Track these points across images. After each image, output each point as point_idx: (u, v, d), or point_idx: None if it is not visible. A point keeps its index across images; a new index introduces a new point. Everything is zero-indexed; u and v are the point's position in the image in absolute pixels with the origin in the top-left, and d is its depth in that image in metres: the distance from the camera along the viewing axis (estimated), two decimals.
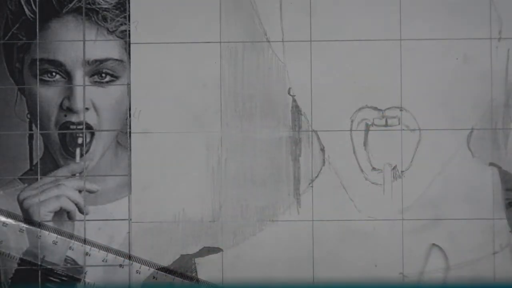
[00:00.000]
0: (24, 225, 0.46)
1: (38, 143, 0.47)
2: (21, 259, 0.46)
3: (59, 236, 0.46)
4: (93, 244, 0.47)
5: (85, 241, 0.47)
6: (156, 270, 0.46)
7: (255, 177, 0.47)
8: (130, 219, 0.47)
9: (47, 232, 0.46)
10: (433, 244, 0.46)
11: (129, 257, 0.47)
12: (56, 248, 0.46)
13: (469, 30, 0.47)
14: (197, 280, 0.46)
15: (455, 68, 0.47)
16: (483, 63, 0.46)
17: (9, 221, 0.46)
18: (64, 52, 0.47)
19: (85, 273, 0.47)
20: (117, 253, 0.46)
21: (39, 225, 0.46)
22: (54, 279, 0.46)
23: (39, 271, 0.46)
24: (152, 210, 0.47)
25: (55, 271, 0.46)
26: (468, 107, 0.47)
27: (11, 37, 0.47)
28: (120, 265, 0.46)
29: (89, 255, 0.46)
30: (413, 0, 0.47)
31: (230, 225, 0.47)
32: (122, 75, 0.47)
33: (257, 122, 0.47)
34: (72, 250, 0.46)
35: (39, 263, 0.46)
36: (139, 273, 0.46)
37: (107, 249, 0.47)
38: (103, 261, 0.46)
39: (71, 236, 0.47)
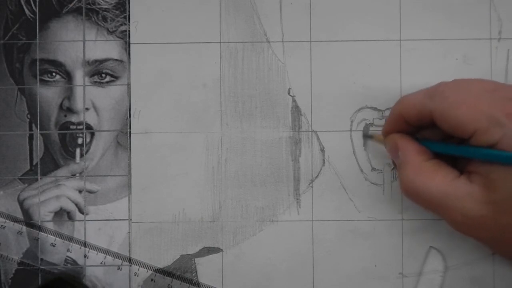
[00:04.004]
0: (22, 227, 0.46)
1: (38, 143, 0.47)
2: (21, 258, 0.46)
3: (57, 238, 0.46)
4: (91, 246, 0.47)
5: (85, 244, 0.47)
6: (154, 273, 0.46)
7: (255, 177, 0.47)
8: (130, 219, 0.47)
9: (45, 234, 0.46)
10: (431, 247, 0.46)
11: (128, 259, 0.47)
12: (54, 249, 0.46)
13: (469, 30, 0.47)
14: (198, 284, 0.46)
15: (455, 68, 0.47)
16: (483, 63, 0.46)
17: (7, 223, 0.47)
18: (64, 52, 0.47)
19: (84, 274, 0.47)
20: (115, 255, 0.47)
21: (39, 228, 0.46)
22: None
23: (39, 272, 0.46)
24: (152, 210, 0.47)
25: (56, 271, 0.46)
26: None
27: (11, 37, 0.47)
28: (118, 268, 0.46)
29: (87, 258, 0.46)
30: (413, 0, 0.47)
31: (230, 225, 0.47)
32: (122, 75, 0.47)
33: (257, 122, 0.47)
34: (70, 252, 0.46)
35: (37, 265, 0.46)
36: (137, 275, 0.46)
37: (105, 252, 0.47)
38: (101, 263, 0.46)
39: (68, 238, 0.47)
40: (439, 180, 0.39)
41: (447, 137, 0.41)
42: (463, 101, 0.38)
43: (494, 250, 0.44)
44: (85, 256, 0.47)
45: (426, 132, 0.42)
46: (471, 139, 0.38)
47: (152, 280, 0.46)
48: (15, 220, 0.47)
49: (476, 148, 0.38)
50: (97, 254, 0.47)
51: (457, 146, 0.40)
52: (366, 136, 0.46)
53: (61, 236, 0.46)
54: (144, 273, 0.46)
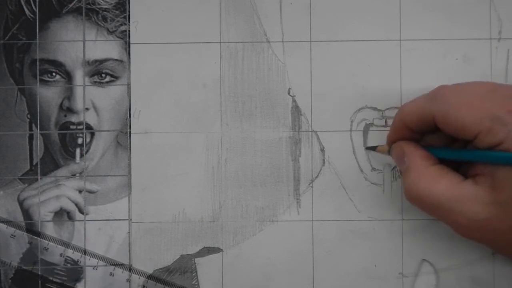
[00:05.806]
0: (16, 231, 0.46)
1: (38, 143, 0.47)
2: (21, 258, 0.46)
3: (50, 243, 0.46)
4: (86, 252, 0.46)
5: (85, 251, 0.47)
6: (146, 279, 0.46)
7: (255, 177, 0.47)
8: (130, 219, 0.47)
9: (38, 238, 0.46)
10: (424, 260, 0.46)
11: (120, 265, 0.47)
12: (50, 252, 0.46)
13: (469, 30, 0.47)
14: None
15: (455, 68, 0.47)
16: (483, 63, 0.46)
17: (1, 225, 0.47)
18: (64, 52, 0.47)
19: (84, 275, 0.47)
20: (108, 261, 0.46)
21: (34, 232, 0.46)
22: (54, 280, 0.46)
23: (39, 272, 0.46)
24: (152, 210, 0.47)
25: (55, 271, 0.46)
26: None
27: (11, 37, 0.47)
28: (111, 273, 0.46)
29: (80, 263, 0.46)
30: (413, 0, 0.47)
31: (230, 225, 0.47)
32: (122, 75, 0.47)
33: (257, 122, 0.47)
34: (63, 257, 0.46)
35: (37, 265, 0.46)
36: (129, 282, 0.46)
37: (98, 257, 0.46)
38: (94, 268, 0.46)
39: (61, 243, 0.46)
40: (444, 184, 0.39)
41: (451, 141, 0.41)
42: (464, 103, 0.38)
43: (498, 252, 0.44)
44: (77, 261, 0.46)
45: (430, 137, 0.42)
46: (475, 141, 0.38)
47: (144, 287, 0.46)
48: (10, 222, 0.46)
49: (481, 152, 0.38)
50: (89, 259, 0.46)
51: (462, 150, 0.40)
52: (369, 148, 0.46)
53: (53, 240, 0.46)
54: (136, 280, 0.46)
